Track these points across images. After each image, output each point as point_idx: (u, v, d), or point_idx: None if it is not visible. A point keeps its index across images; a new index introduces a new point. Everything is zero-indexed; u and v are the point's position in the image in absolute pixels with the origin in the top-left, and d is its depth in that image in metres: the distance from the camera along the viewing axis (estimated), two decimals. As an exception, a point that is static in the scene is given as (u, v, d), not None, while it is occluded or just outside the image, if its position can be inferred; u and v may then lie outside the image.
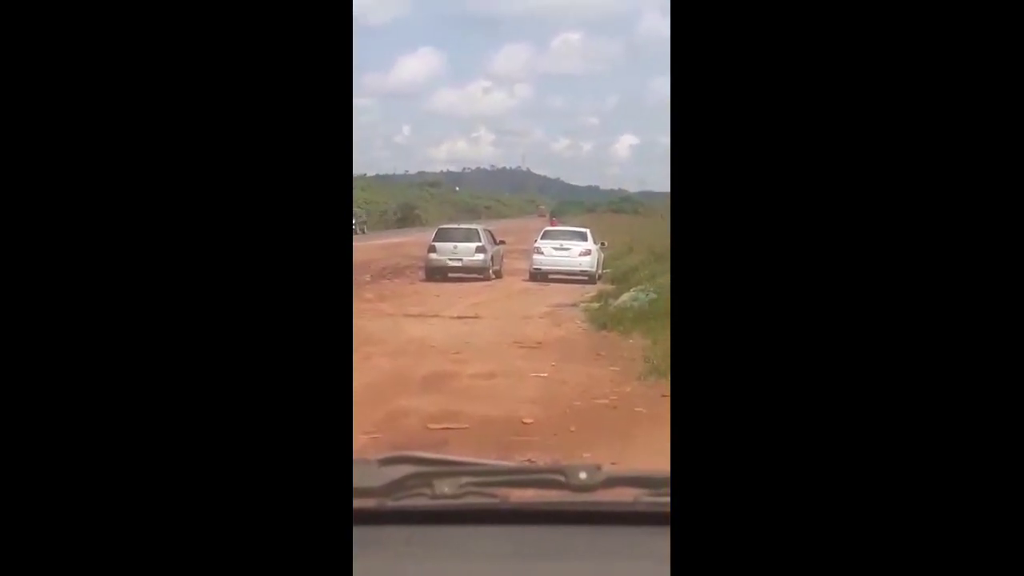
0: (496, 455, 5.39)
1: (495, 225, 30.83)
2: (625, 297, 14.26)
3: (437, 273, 19.75)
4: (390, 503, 1.26)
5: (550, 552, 1.23)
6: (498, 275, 20.79)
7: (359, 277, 17.22)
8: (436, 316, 13.43)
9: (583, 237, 21.00)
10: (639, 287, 15.02)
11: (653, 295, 13.41)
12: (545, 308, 14.72)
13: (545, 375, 8.73)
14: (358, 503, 1.15)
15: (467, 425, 6.68)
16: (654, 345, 9.73)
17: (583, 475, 1.25)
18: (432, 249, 20.21)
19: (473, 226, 22.75)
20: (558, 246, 20.46)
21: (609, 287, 17.28)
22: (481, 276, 19.95)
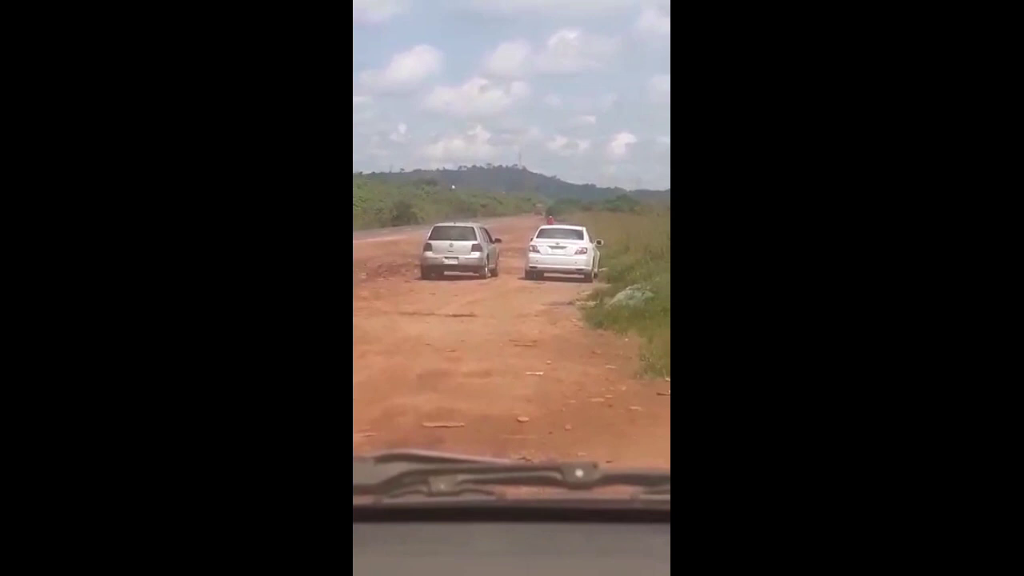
0: (491, 453, 5.39)
1: (491, 223, 30.85)
2: (621, 295, 14.26)
3: (433, 271, 19.74)
4: (386, 500, 1.26)
5: (546, 549, 1.23)
6: (494, 273, 20.79)
7: (354, 275, 17.19)
8: (432, 314, 13.43)
9: (579, 235, 20.99)
10: (635, 285, 15.02)
11: (649, 294, 13.41)
12: (541, 306, 14.72)
13: (541, 373, 8.73)
14: (354, 500, 1.15)
15: (462, 423, 6.68)
16: (650, 343, 9.75)
17: (579, 473, 1.25)
18: (428, 247, 20.20)
19: (469, 224, 22.75)
20: (554, 244, 20.45)
21: (605, 285, 17.29)
22: (477, 274, 19.94)
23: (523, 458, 5.42)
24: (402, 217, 51.11)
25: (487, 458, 1.40)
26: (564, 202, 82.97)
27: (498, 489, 1.30)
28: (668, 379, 7.90)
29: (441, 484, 1.26)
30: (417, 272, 20.28)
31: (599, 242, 21.76)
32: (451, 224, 22.98)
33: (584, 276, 19.56)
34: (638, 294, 13.84)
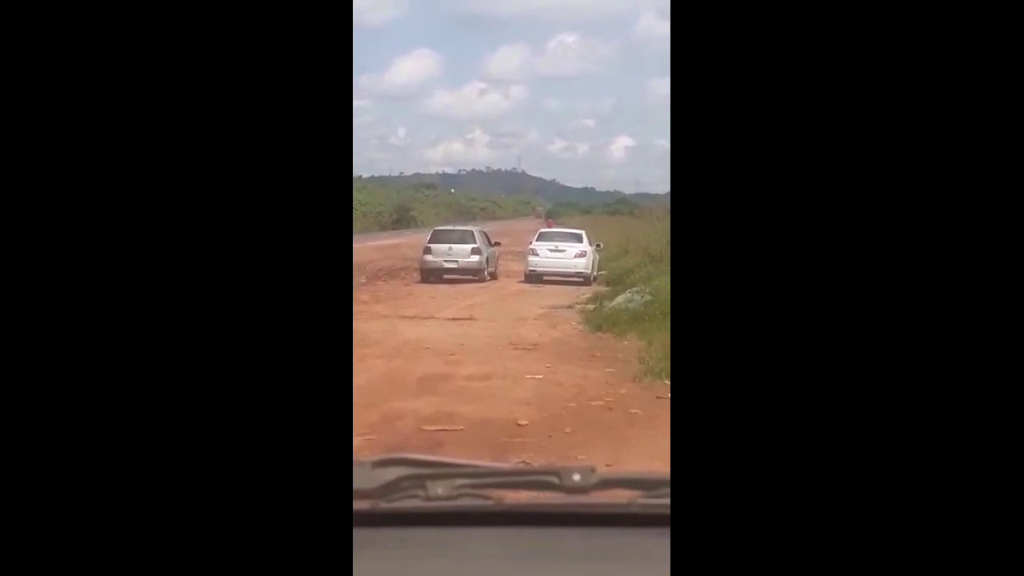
0: (491, 457, 5.39)
1: (490, 227, 30.87)
2: (620, 299, 14.26)
3: (432, 275, 19.75)
4: (384, 505, 1.25)
5: (544, 553, 1.23)
6: (493, 277, 20.80)
7: (354, 279, 17.20)
8: (431, 318, 13.42)
9: (578, 239, 21.00)
10: (634, 289, 15.02)
11: (648, 297, 13.41)
12: (540, 310, 14.72)
13: (540, 377, 8.73)
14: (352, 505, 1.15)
15: (462, 427, 6.67)
16: (649, 347, 9.75)
17: (577, 477, 1.24)
18: (427, 251, 20.21)
19: (468, 228, 22.74)
20: (553, 248, 20.46)
21: (604, 289, 17.30)
22: (476, 278, 19.95)
23: (523, 461, 5.42)
24: (401, 220, 51.16)
25: (484, 462, 1.40)
26: (563, 205, 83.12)
27: (496, 493, 1.30)
28: (667, 382, 7.90)
29: (439, 488, 1.25)
30: (417, 275, 20.28)
31: (598, 245, 21.77)
32: (450, 227, 22.98)
33: (583, 279, 19.57)
34: (637, 297, 13.84)
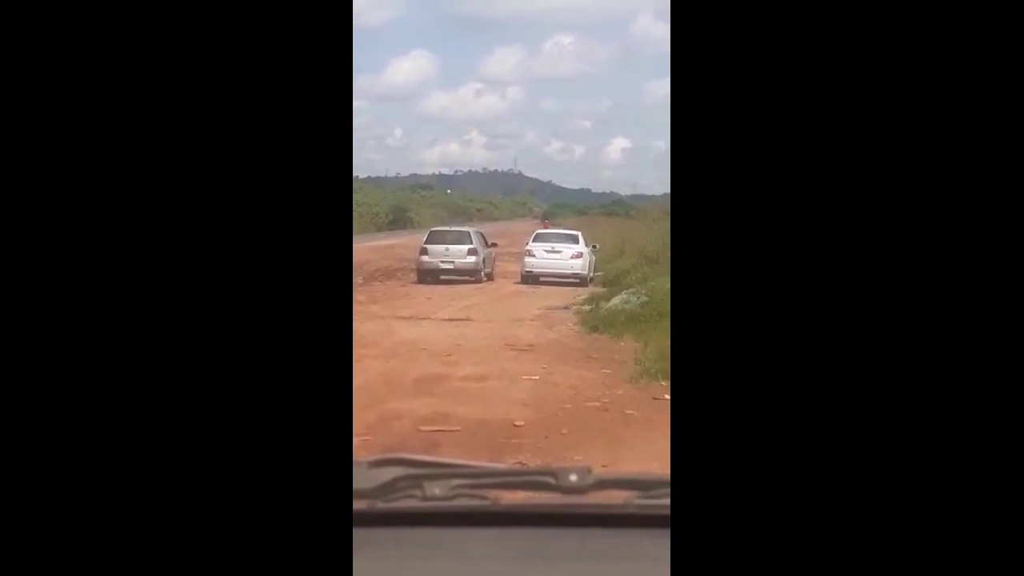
0: (487, 457, 5.39)
1: (487, 227, 30.83)
2: (616, 300, 14.26)
3: (429, 275, 19.73)
4: (381, 505, 1.25)
5: (540, 554, 1.23)
6: (490, 277, 20.79)
7: (351, 279, 17.16)
8: (427, 318, 13.42)
9: (575, 240, 20.99)
10: (630, 290, 15.02)
11: (644, 298, 13.42)
12: (536, 311, 14.71)
13: (536, 377, 8.73)
14: None
15: (458, 427, 6.67)
16: (645, 348, 9.75)
17: (574, 477, 1.25)
18: (424, 251, 20.19)
19: (465, 228, 22.72)
20: (550, 249, 20.45)
21: (601, 290, 17.29)
22: (473, 279, 19.94)
23: (519, 462, 5.42)
24: (398, 221, 51.15)
25: (481, 463, 1.40)
26: (560, 206, 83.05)
27: (492, 494, 1.30)
28: (664, 384, 7.91)
29: (435, 489, 1.26)
30: (413, 276, 20.26)
31: (595, 246, 21.77)
32: (447, 228, 22.97)
33: (580, 280, 19.56)
34: (634, 298, 13.84)
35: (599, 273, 20.79)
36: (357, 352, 9.09)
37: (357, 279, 18.40)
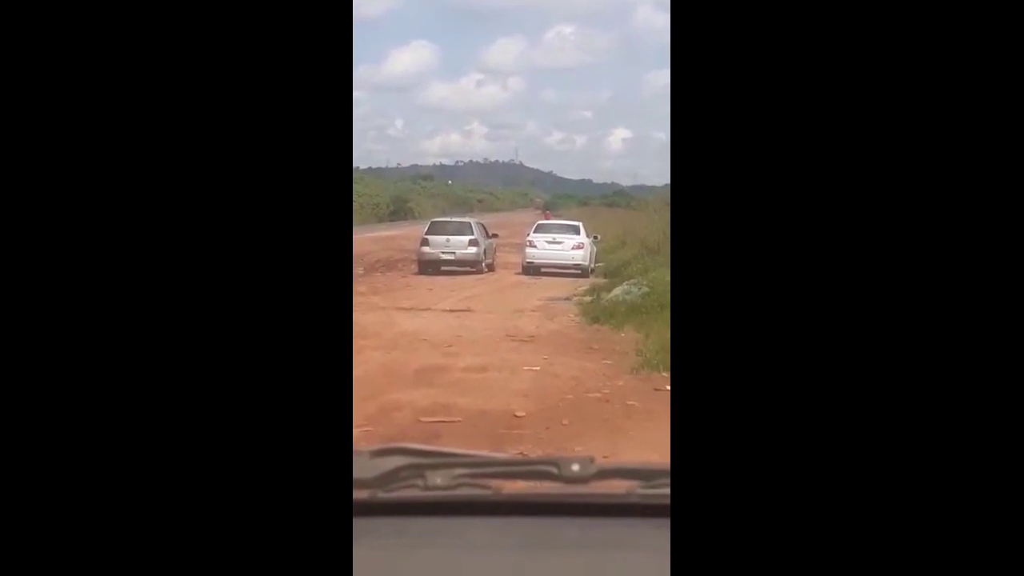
0: (488, 448, 5.39)
1: (488, 218, 30.85)
2: (618, 291, 14.26)
3: (429, 266, 19.74)
4: (382, 494, 1.26)
5: (542, 543, 1.23)
6: (491, 268, 20.79)
7: (351, 270, 17.16)
8: (428, 309, 13.42)
9: (576, 231, 20.99)
10: (632, 281, 15.02)
11: (645, 289, 13.42)
12: (537, 301, 14.72)
13: (537, 368, 8.73)
14: None
15: (459, 418, 6.68)
16: (646, 339, 9.75)
17: (576, 467, 1.25)
18: (424, 242, 20.19)
19: (466, 219, 22.71)
20: (551, 240, 20.45)
21: (602, 281, 17.29)
22: (474, 269, 19.95)
23: (520, 453, 5.43)
24: (399, 212, 51.17)
25: (483, 452, 1.40)
26: (561, 197, 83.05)
27: (494, 483, 1.30)
28: (664, 375, 7.91)
29: (437, 478, 1.26)
30: (414, 267, 20.28)
31: (596, 237, 21.76)
32: (448, 219, 22.94)
33: (581, 271, 19.56)
34: (635, 289, 13.84)
35: (600, 264, 20.79)
36: (358, 343, 9.10)
37: (358, 270, 18.40)
